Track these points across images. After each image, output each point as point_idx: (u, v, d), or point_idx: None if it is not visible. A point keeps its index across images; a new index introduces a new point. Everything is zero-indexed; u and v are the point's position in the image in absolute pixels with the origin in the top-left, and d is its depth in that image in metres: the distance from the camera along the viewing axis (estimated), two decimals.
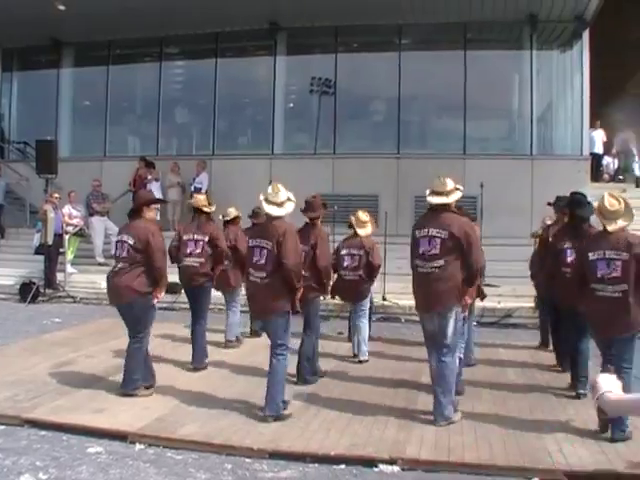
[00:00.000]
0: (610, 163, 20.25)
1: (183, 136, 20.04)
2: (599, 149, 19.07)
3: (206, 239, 8.30)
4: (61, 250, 15.02)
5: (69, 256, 15.29)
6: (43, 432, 5.93)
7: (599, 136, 19.09)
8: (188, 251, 8.29)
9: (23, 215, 18.53)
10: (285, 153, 17.79)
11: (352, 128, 18.43)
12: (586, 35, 16.28)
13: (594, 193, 16.08)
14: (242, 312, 9.38)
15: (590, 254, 5.97)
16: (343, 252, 8.90)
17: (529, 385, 7.72)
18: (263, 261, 6.28)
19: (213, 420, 6.17)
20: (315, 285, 7.44)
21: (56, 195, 15.44)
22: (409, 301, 13.01)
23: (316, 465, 5.31)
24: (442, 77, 17.06)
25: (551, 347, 8.93)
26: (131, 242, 6.83)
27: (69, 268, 15.09)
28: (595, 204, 6.25)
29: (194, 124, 19.95)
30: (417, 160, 16.59)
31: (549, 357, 9.11)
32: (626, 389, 2.87)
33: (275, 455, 5.43)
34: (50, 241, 14.66)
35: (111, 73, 19.14)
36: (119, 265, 6.93)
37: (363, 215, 9.17)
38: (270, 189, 6.44)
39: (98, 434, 5.82)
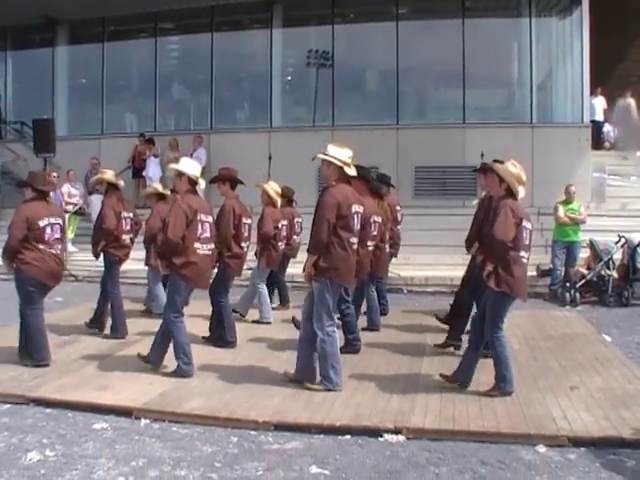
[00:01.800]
0: (610, 131, 20.11)
1: (181, 112, 19.88)
2: (600, 116, 18.93)
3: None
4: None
5: (69, 235, 15.24)
6: (48, 410, 5.95)
7: (600, 103, 18.95)
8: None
9: (21, 195, 18.37)
10: (283, 126, 17.67)
11: (350, 100, 18.31)
12: (586, 1, 16.08)
13: (595, 161, 16.22)
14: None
15: None
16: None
17: (532, 353, 7.73)
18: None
19: (217, 394, 6.18)
20: None
21: (54, 174, 15.35)
22: (411, 272, 13.20)
23: (321, 436, 5.32)
24: (440, 46, 16.87)
25: None
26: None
27: (70, 247, 15.06)
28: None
29: (191, 99, 19.78)
30: (416, 130, 16.53)
31: (550, 323, 9.16)
32: None
33: (280, 427, 5.44)
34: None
35: (106, 50, 18.96)
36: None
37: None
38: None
39: (103, 410, 5.85)
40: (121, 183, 8.95)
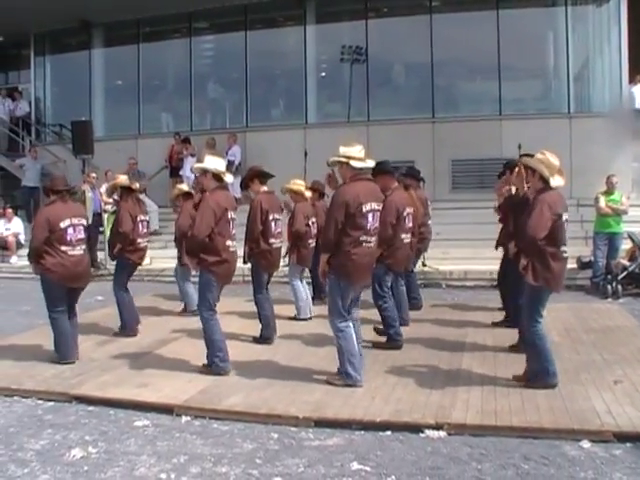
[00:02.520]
0: None
1: (216, 110, 20.01)
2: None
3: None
4: (100, 229, 15.16)
5: (108, 233, 15.41)
6: (90, 407, 6.02)
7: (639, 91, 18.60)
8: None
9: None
10: (319, 122, 17.68)
11: (385, 94, 18.21)
12: None
13: (635, 150, 15.92)
14: None
15: None
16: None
17: (574, 346, 7.62)
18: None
19: (257, 391, 6.19)
20: None
21: (93, 175, 15.59)
22: (449, 266, 13.10)
23: (362, 432, 5.29)
24: (475, 38, 16.69)
25: None
26: None
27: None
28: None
29: (226, 98, 19.88)
30: (452, 124, 16.44)
31: (592, 316, 9.01)
32: None
33: (321, 423, 5.43)
34: (89, 220, 14.78)
35: (141, 51, 19.18)
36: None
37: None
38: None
39: (144, 408, 5.89)
40: (136, 186, 9.07)
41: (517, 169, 7.13)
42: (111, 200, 15.67)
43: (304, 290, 9.60)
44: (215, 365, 6.75)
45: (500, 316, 8.87)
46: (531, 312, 6.10)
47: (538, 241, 5.89)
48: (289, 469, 4.66)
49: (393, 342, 7.67)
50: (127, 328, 8.68)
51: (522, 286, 6.25)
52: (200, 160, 16.82)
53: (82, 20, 19.00)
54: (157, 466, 4.73)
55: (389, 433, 5.25)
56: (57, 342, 7.33)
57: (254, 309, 8.38)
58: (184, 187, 10.33)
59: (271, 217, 8.15)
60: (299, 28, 17.99)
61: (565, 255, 6.10)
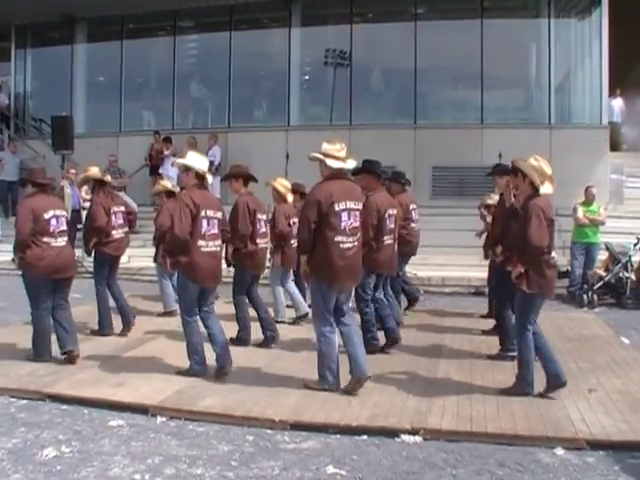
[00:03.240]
0: (629, 132, 19.96)
1: (198, 110, 19.92)
2: (618, 118, 18.81)
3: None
4: (79, 226, 15.01)
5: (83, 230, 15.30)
6: (64, 406, 5.96)
7: (618, 105, 18.83)
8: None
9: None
10: (301, 125, 17.67)
11: (368, 99, 18.25)
12: (605, 1, 15.95)
13: (613, 162, 16.10)
14: None
15: None
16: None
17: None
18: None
19: (233, 393, 6.17)
20: None
21: (72, 171, 15.45)
22: (428, 272, 13.14)
23: (338, 436, 5.29)
24: (459, 46, 16.80)
25: None
26: None
27: None
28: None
29: (209, 98, 19.82)
30: (434, 130, 16.51)
31: (568, 325, 9.09)
32: None
33: (297, 426, 5.42)
34: (67, 217, 14.67)
35: (125, 48, 19.06)
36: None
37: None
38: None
39: (119, 407, 5.85)
40: (107, 178, 8.99)
41: (508, 179, 7.14)
42: (89, 197, 15.61)
43: (284, 295, 9.59)
44: (191, 367, 6.69)
45: (485, 324, 8.93)
46: (522, 319, 6.09)
47: (544, 250, 5.91)
48: (264, 472, 4.65)
49: (370, 346, 7.66)
50: (104, 327, 8.59)
51: (511, 294, 6.30)
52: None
53: (65, 14, 18.87)
54: (131, 467, 4.69)
55: (365, 437, 5.26)
56: (35, 339, 7.21)
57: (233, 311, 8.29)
58: (168, 184, 10.24)
59: (258, 217, 8.11)
60: (284, 30, 17.98)
61: (554, 261, 6.14)
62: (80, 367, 6.97)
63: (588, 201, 12.11)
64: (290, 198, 9.49)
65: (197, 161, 6.75)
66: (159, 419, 5.65)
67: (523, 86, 18.13)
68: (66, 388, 6.28)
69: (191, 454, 4.92)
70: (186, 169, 6.67)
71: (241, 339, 8.06)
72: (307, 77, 19.00)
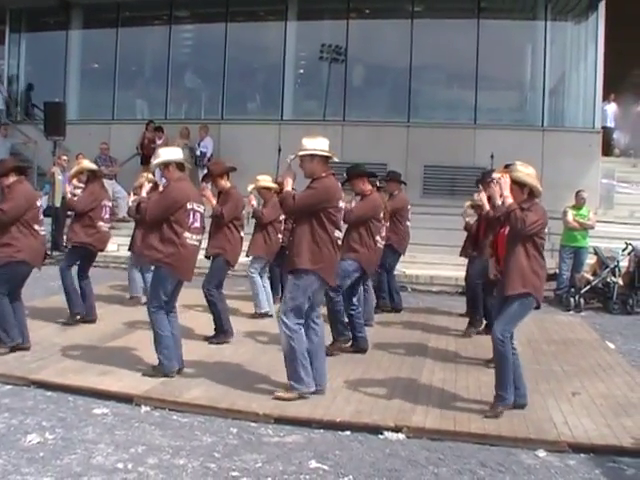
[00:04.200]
0: (621, 137, 20.04)
1: (192, 101, 19.87)
2: (611, 123, 18.87)
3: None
4: (69, 213, 14.97)
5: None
6: (49, 393, 5.96)
7: (612, 110, 18.89)
8: None
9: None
10: (294, 119, 17.61)
11: (362, 95, 18.22)
12: (602, 6, 16.00)
13: (604, 167, 16.16)
14: None
15: None
16: None
17: (535, 356, 7.71)
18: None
19: (218, 385, 6.17)
20: None
21: (64, 157, 15.39)
22: (416, 271, 13.18)
23: (321, 431, 5.31)
24: (454, 46, 16.80)
25: None
26: None
27: None
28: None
29: (203, 89, 19.77)
30: (427, 129, 16.51)
31: (554, 328, 9.13)
32: None
33: (281, 420, 5.43)
34: (58, 203, 14.66)
35: (120, 36, 18.93)
36: None
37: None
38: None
39: (104, 396, 5.85)
40: (101, 171, 9.02)
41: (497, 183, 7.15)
42: (81, 185, 15.56)
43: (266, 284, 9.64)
44: (160, 364, 6.43)
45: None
46: (511, 320, 5.77)
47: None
48: (247, 464, 4.65)
49: (337, 343, 7.60)
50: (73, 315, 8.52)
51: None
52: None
53: (61, 0, 18.77)
54: (114, 455, 4.70)
55: (348, 433, 5.27)
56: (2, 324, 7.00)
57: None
58: (151, 176, 10.19)
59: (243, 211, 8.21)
60: (280, 23, 17.94)
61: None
62: (66, 354, 6.98)
63: (578, 205, 12.15)
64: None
65: (172, 153, 6.67)
66: (143, 409, 5.66)
67: (517, 88, 18.16)
68: (52, 375, 6.28)
69: (174, 444, 4.93)
70: (165, 165, 6.52)
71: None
72: (302, 71, 18.98)
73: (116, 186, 15.87)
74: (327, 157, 5.99)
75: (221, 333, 7.89)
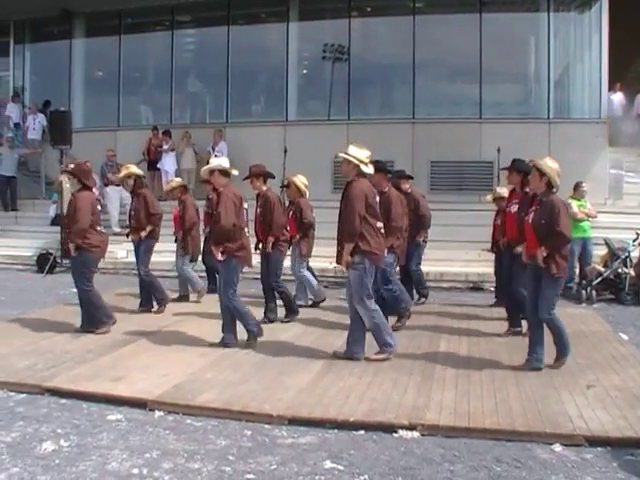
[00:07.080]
0: (628, 127, 19.91)
1: (196, 105, 19.95)
2: (618, 112, 18.76)
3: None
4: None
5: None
6: (63, 400, 5.97)
7: (618, 99, 18.78)
8: None
9: (38, 187, 18.62)
10: (299, 120, 17.65)
11: (366, 94, 18.22)
12: None
13: (612, 157, 16.08)
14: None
15: None
16: None
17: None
18: None
19: (231, 387, 6.17)
20: None
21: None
22: (425, 267, 13.10)
23: (335, 431, 5.29)
24: (457, 41, 16.78)
25: None
26: None
27: None
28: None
29: (207, 92, 19.82)
30: (432, 125, 16.51)
31: (566, 320, 9.07)
32: None
33: (294, 421, 5.42)
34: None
35: (123, 43, 19.03)
36: None
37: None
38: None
39: (117, 402, 5.86)
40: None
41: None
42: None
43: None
44: (251, 333, 7.71)
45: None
46: (552, 302, 6.89)
47: (570, 239, 6.75)
48: (262, 466, 4.65)
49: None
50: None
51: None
52: (180, 154, 16.94)
53: (63, 9, 18.84)
54: (129, 461, 4.70)
55: (363, 432, 5.26)
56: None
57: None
58: (178, 180, 10.90)
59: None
60: (282, 25, 17.95)
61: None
62: (79, 361, 6.98)
63: (579, 196, 12.09)
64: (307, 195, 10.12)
65: (218, 161, 7.99)
66: (157, 413, 5.66)
67: (522, 80, 18.10)
68: (65, 382, 6.29)
69: (189, 449, 4.93)
70: (211, 172, 7.74)
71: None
72: (305, 72, 18.98)
73: (123, 192, 15.88)
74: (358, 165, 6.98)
75: (292, 312, 9.18)
